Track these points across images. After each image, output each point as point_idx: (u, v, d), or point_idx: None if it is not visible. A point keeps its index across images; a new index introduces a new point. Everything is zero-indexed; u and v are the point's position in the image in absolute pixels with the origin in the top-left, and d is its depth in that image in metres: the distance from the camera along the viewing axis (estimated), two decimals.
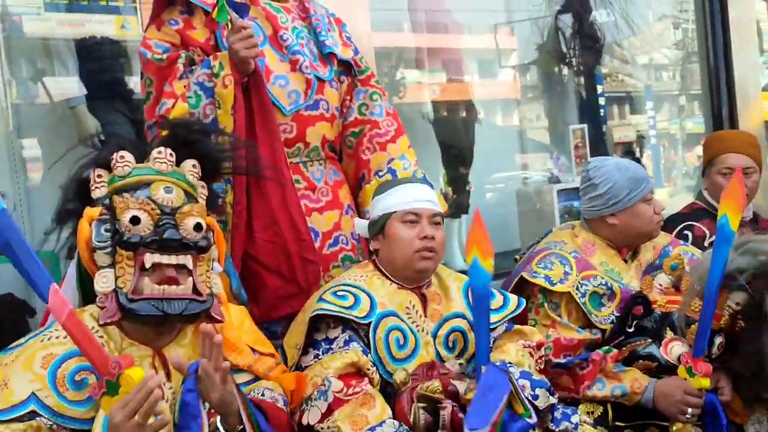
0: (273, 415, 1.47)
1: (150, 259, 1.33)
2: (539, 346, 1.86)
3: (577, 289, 2.01)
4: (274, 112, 1.90)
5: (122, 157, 1.41)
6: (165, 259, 1.33)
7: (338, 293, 1.76)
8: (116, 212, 1.34)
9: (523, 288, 2.07)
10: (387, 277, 1.83)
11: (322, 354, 1.70)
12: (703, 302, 1.82)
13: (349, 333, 1.72)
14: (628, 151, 6.23)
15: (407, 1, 4.20)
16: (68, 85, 3.19)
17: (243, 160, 1.67)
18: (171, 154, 1.43)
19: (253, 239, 1.88)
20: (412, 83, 4.46)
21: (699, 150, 7.68)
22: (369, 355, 1.71)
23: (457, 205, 3.89)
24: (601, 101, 5.15)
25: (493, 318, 1.82)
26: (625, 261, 2.11)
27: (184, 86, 1.85)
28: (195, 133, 1.51)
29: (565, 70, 5.09)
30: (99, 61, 3.08)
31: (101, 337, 1.37)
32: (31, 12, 3.37)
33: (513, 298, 1.94)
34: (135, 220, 1.33)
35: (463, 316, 1.85)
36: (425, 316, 1.82)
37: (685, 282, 1.94)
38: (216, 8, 1.82)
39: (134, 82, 3.07)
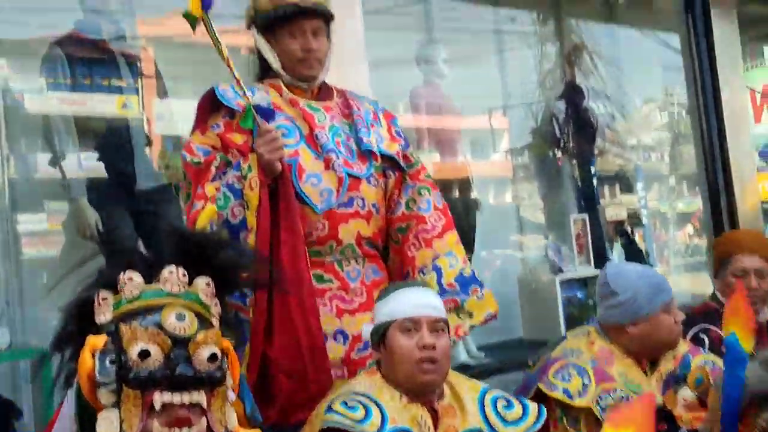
0: None
1: (159, 399, 1.18)
2: None
3: (597, 403, 1.91)
4: (298, 214, 1.88)
5: (130, 278, 1.27)
6: (177, 398, 1.18)
7: (348, 403, 1.65)
8: (122, 343, 1.20)
9: (539, 399, 1.96)
10: (395, 389, 1.72)
11: None
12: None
13: None
14: (622, 231, 6.27)
15: (408, 95, 4.23)
16: (69, 163, 3.14)
17: (263, 273, 1.58)
18: (184, 274, 1.30)
19: (271, 342, 1.82)
20: None
21: (690, 229, 7.78)
22: None
23: None
24: (594, 182, 5.17)
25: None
26: (645, 372, 2.02)
27: (216, 188, 1.87)
28: (210, 247, 1.38)
29: (559, 154, 5.12)
30: (102, 151, 3.04)
31: None
32: (32, 90, 3.37)
33: (532, 408, 1.82)
34: (144, 354, 1.18)
35: (479, 431, 1.73)
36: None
37: (711, 397, 1.85)
38: (242, 115, 1.85)
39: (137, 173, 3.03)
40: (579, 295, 3.72)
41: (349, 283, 1.97)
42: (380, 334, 1.75)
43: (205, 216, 1.83)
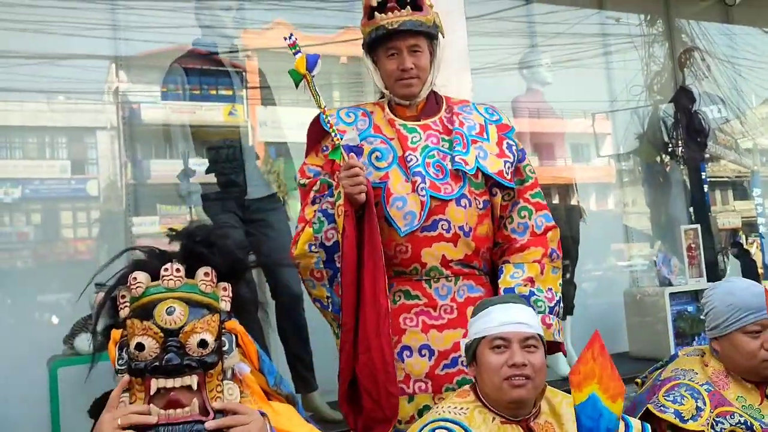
0: None
1: (155, 384, 1.36)
2: None
3: (712, 427, 1.82)
4: (380, 242, 1.90)
5: (135, 278, 1.44)
6: (169, 383, 1.36)
7: (437, 431, 1.63)
8: (128, 337, 1.40)
9: (647, 420, 1.89)
10: (489, 410, 1.69)
11: None
12: None
13: None
14: (735, 242, 5.93)
15: (510, 104, 4.17)
16: (179, 168, 3.32)
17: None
18: (178, 269, 1.45)
19: (357, 359, 1.87)
20: None
21: None
22: None
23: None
24: (705, 188, 4.93)
25: None
26: (766, 397, 1.90)
27: (314, 212, 1.94)
28: (202, 243, 1.52)
29: (668, 159, 4.92)
30: (213, 164, 3.18)
31: None
32: (148, 101, 3.58)
33: (635, 425, 1.73)
34: (140, 347, 1.37)
35: None
36: None
37: None
38: (333, 149, 1.92)
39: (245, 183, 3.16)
40: (689, 309, 3.55)
41: (437, 300, 1.97)
42: (472, 351, 1.74)
43: (303, 240, 1.92)
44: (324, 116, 1.93)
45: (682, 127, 4.80)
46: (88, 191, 3.66)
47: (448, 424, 1.65)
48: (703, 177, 4.96)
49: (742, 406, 1.86)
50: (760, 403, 1.89)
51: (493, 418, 1.68)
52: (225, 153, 3.18)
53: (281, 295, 3.01)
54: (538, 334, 1.70)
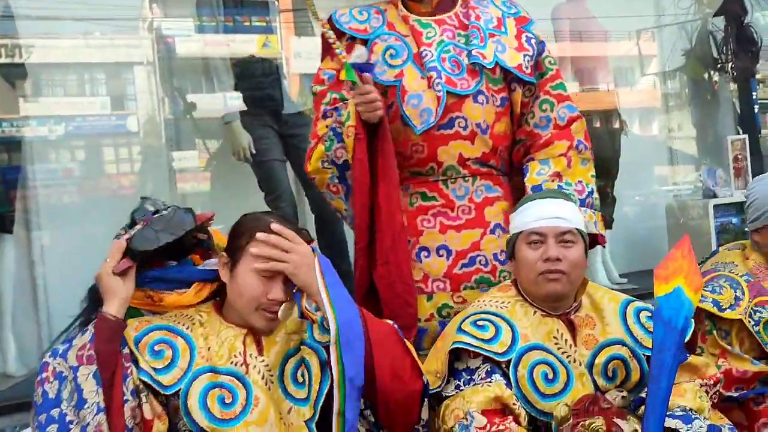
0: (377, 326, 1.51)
1: None
2: (716, 382, 1.68)
3: (750, 316, 1.82)
4: (394, 160, 1.87)
5: None
6: None
7: (478, 323, 1.67)
8: None
9: None
10: (530, 304, 1.72)
11: (464, 385, 1.61)
12: None
13: (491, 364, 1.63)
14: None
15: (551, 11, 4.05)
16: (218, 101, 3.34)
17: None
18: None
19: (375, 269, 1.89)
20: None
21: None
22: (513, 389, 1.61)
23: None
24: (755, 108, 4.77)
25: None
26: None
27: (326, 126, 1.90)
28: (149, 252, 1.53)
29: (716, 77, 4.77)
30: (250, 79, 3.21)
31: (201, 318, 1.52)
32: (182, 34, 3.59)
33: None
34: None
35: (622, 343, 1.70)
36: (575, 345, 1.68)
37: None
38: (342, 70, 1.84)
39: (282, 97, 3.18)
40: (734, 221, 3.49)
41: (455, 201, 1.95)
42: (511, 246, 1.76)
43: (316, 156, 1.91)
44: (325, 31, 1.89)
45: (732, 39, 4.61)
46: (128, 127, 3.72)
47: (491, 317, 1.69)
48: (754, 96, 4.80)
49: None
50: None
51: (534, 312, 1.70)
52: (261, 67, 3.19)
53: (318, 209, 3.06)
54: (577, 229, 1.70)
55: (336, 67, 1.98)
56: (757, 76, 4.97)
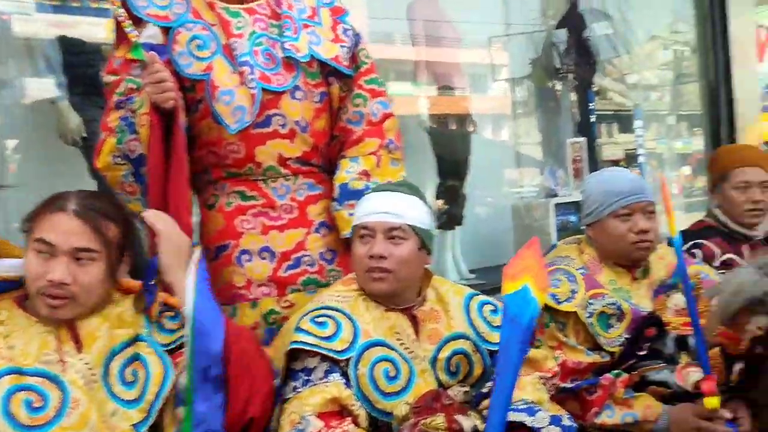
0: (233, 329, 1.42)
1: None
2: (553, 375, 1.67)
3: (585, 308, 1.84)
4: (185, 155, 1.66)
5: None
6: None
7: (318, 319, 1.55)
8: None
9: None
10: (371, 299, 1.62)
11: (301, 386, 1.49)
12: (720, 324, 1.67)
13: (329, 363, 1.52)
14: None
15: (406, 10, 4.02)
16: (51, 85, 3.01)
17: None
18: None
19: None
20: (405, 95, 4.32)
21: (687, 170, 7.64)
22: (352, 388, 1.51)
23: (451, 217, 3.73)
24: (592, 118, 5.05)
25: (497, 340, 1.65)
26: (636, 279, 1.94)
27: (118, 118, 1.68)
28: None
29: (559, 85, 5.00)
30: (78, 56, 2.90)
31: None
32: (21, 12, 3.22)
33: None
34: None
35: (465, 337, 1.65)
36: (418, 340, 1.61)
37: (702, 304, 1.78)
38: (132, 47, 1.65)
39: None
40: (573, 219, 3.63)
41: (276, 200, 1.80)
42: (348, 242, 1.67)
43: (106, 150, 1.69)
44: (115, 9, 1.67)
45: (573, 51, 4.83)
46: None
47: (330, 312, 1.57)
48: (591, 107, 5.06)
49: (613, 288, 1.89)
50: (630, 285, 1.92)
51: (377, 306, 1.61)
52: (91, 45, 2.90)
53: None
54: (411, 225, 1.62)
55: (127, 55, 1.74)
56: (594, 89, 5.25)
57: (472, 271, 3.51)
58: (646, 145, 6.80)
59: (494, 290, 3.11)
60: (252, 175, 1.80)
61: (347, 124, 1.89)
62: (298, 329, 1.53)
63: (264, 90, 1.76)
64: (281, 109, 1.78)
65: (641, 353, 1.82)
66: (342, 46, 1.88)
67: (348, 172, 1.84)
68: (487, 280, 3.35)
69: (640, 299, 1.89)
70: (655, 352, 1.81)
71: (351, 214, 1.75)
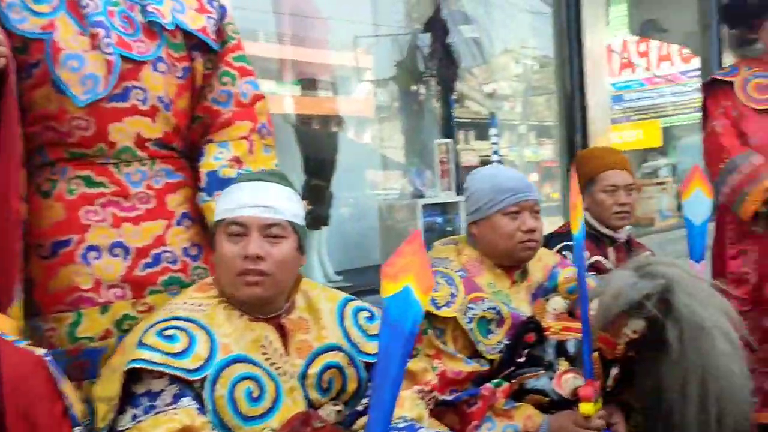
0: None
1: None
2: (432, 388, 1.51)
3: (464, 313, 1.70)
4: (18, 127, 1.38)
5: None
6: None
7: (165, 332, 1.29)
8: None
9: None
10: (234, 306, 1.38)
11: (142, 414, 1.23)
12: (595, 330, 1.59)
13: (180, 385, 1.26)
14: None
15: (271, 3, 3.78)
16: None
17: None
18: None
19: None
20: (269, 94, 4.08)
21: (535, 177, 7.97)
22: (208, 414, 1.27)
23: (317, 217, 3.52)
24: (453, 124, 5.06)
25: (374, 350, 1.47)
26: (514, 282, 1.83)
27: None
28: None
29: (423, 89, 4.97)
30: None
31: None
32: None
33: None
34: None
35: (339, 349, 1.44)
36: (287, 354, 1.39)
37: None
38: None
39: None
40: (439, 220, 3.54)
41: (129, 189, 1.53)
42: (212, 236, 1.41)
43: None
44: None
45: (436, 56, 4.81)
46: None
47: (182, 323, 1.31)
48: (452, 113, 5.07)
49: (493, 291, 1.77)
50: (510, 288, 1.81)
51: (240, 316, 1.37)
52: None
53: None
54: (290, 222, 1.40)
55: None
56: (454, 96, 5.28)
57: (338, 273, 3.33)
58: (500, 153, 7.02)
59: (361, 293, 2.96)
60: (101, 157, 1.51)
61: (213, 104, 1.64)
62: (141, 345, 1.26)
63: (123, 58, 1.48)
64: (142, 81, 1.51)
65: (520, 360, 1.70)
66: (209, 18, 1.63)
67: (217, 158, 1.60)
68: (353, 282, 3.18)
69: (519, 303, 1.79)
70: (534, 358, 1.70)
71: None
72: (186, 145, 1.65)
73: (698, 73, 6.23)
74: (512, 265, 1.81)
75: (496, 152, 6.87)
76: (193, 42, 1.61)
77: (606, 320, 1.62)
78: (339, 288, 2.87)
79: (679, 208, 5.55)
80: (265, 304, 1.39)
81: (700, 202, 2.04)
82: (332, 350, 1.44)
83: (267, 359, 1.36)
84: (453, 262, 1.79)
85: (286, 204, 1.42)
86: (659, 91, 7.89)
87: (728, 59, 5.34)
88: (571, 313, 1.74)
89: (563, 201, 4.73)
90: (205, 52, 1.62)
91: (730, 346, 1.56)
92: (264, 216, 1.37)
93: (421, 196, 3.54)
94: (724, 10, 2.68)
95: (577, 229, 1.56)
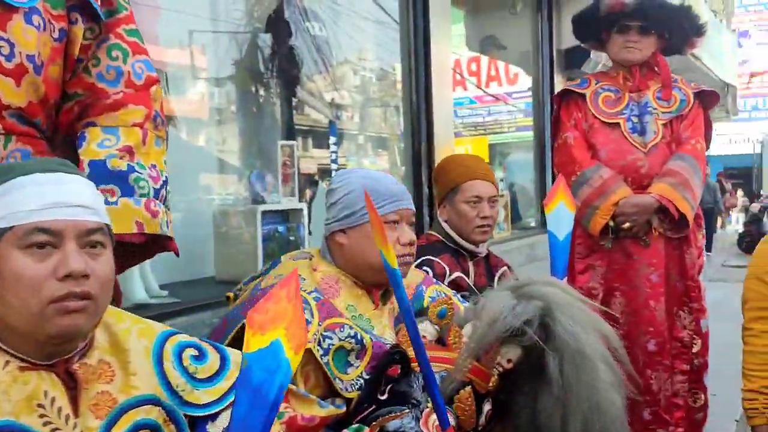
0: None
1: None
2: None
3: (319, 344, 1.36)
4: None
5: None
6: None
7: None
8: None
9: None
10: (3, 350, 0.95)
11: None
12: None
13: None
14: (313, 181, 6.09)
15: None
16: None
17: None
18: None
19: None
20: None
21: None
22: None
23: None
24: (293, 130, 4.79)
25: (207, 395, 1.08)
26: (378, 305, 1.52)
27: None
28: None
29: (262, 91, 4.65)
30: None
31: None
32: None
33: (235, 360, 1.15)
34: None
35: (154, 401, 1.04)
36: (76, 415, 0.97)
37: (453, 334, 1.43)
38: None
39: None
40: (280, 229, 3.17)
41: None
42: None
43: None
44: None
45: (277, 58, 4.55)
46: None
47: None
48: (292, 119, 4.80)
49: (352, 316, 1.45)
50: (372, 312, 1.49)
51: (6, 363, 0.94)
52: None
53: None
54: (108, 225, 1.01)
55: None
56: (294, 101, 5.03)
57: (164, 287, 2.84)
58: (339, 161, 6.87)
59: (191, 309, 2.51)
60: None
61: (99, 81, 1.30)
62: None
63: None
64: (9, 33, 1.18)
65: (383, 397, 1.39)
66: None
67: (103, 145, 1.28)
68: (182, 297, 2.71)
69: (383, 329, 1.47)
70: (399, 394, 1.39)
71: (110, 203, 1.22)
72: (50, 125, 1.27)
73: (528, 93, 6.42)
74: (377, 284, 1.50)
75: (334, 161, 6.72)
76: (72, 2, 1.28)
77: (480, 349, 1.36)
78: (164, 305, 2.41)
79: (512, 220, 5.66)
80: (68, 341, 0.97)
81: (563, 216, 1.87)
82: (145, 404, 1.03)
83: (46, 424, 0.93)
84: (306, 281, 1.44)
85: (100, 202, 1.02)
86: (488, 108, 8.14)
87: (558, 79, 5.52)
88: (442, 341, 1.46)
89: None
90: (88, 17, 1.30)
91: (612, 376, 1.37)
92: (83, 219, 0.96)
93: (262, 202, 3.13)
94: (574, 23, 2.60)
95: (394, 265, 1.26)
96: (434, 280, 1.71)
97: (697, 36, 2.48)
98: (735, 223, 15.20)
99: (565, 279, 1.87)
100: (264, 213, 3.03)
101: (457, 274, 1.93)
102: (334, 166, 6.73)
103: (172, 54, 4.47)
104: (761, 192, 12.67)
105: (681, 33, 2.46)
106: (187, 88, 4.78)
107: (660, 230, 2.34)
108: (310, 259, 1.52)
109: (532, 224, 6.09)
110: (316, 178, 6.36)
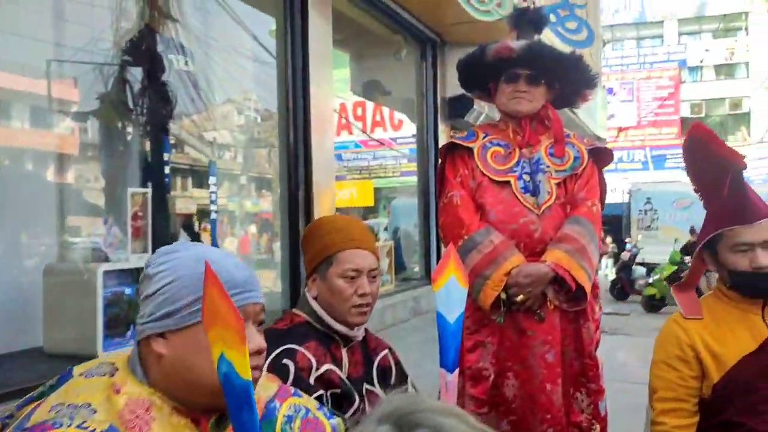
0: None
1: None
2: None
3: None
4: None
5: None
6: None
7: None
8: None
9: None
10: None
11: None
12: None
13: None
14: (188, 224, 5.69)
15: None
16: None
17: None
18: None
19: None
20: None
21: (254, 229, 7.49)
22: None
23: None
24: (167, 170, 4.26)
25: None
26: None
27: None
28: None
29: (130, 128, 4.12)
30: None
31: None
32: None
33: None
34: None
35: None
36: None
37: None
38: None
39: None
40: (128, 291, 2.61)
41: None
42: None
43: None
44: None
45: (148, 93, 4.05)
46: None
47: None
48: (167, 159, 4.28)
49: None
50: None
51: None
52: None
53: None
54: None
55: None
56: (171, 141, 4.54)
57: None
58: (219, 202, 6.45)
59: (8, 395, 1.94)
60: None
61: None
62: None
63: None
64: None
65: None
66: None
67: None
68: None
69: None
70: None
71: None
72: None
73: (413, 139, 6.23)
74: (208, 408, 1.05)
75: (213, 201, 6.26)
76: None
77: None
78: None
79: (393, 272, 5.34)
80: None
81: (454, 293, 1.50)
82: None
83: None
84: (98, 411, 0.96)
85: None
86: (374, 153, 7.97)
87: (442, 128, 5.33)
88: None
89: (287, 256, 4.14)
90: None
91: None
92: None
93: (107, 259, 2.58)
94: (459, 70, 2.31)
95: (246, 376, 0.84)
96: (291, 389, 1.26)
97: (588, 88, 2.26)
98: (604, 268, 15.87)
99: (457, 374, 1.49)
100: (108, 273, 2.47)
101: (326, 367, 1.51)
102: (213, 207, 6.25)
103: (25, 83, 3.90)
104: (626, 240, 13.28)
105: (573, 84, 2.23)
106: (40, 120, 4.18)
107: (555, 303, 2.05)
108: (112, 375, 1.03)
109: (417, 272, 5.82)
110: (194, 221, 5.92)
